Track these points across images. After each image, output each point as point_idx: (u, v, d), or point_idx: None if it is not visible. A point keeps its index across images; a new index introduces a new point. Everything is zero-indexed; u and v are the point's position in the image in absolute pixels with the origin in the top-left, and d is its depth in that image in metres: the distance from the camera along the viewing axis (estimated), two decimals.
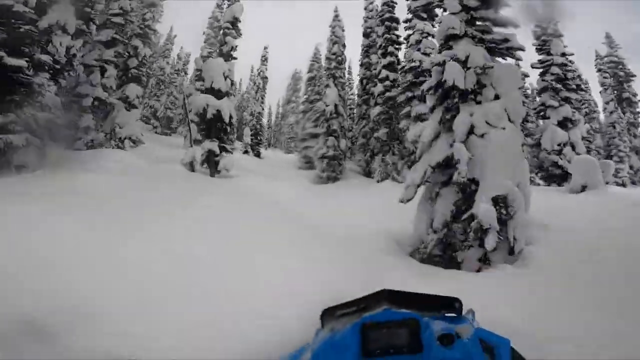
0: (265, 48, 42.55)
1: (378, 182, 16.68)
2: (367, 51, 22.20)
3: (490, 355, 0.66)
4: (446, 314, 0.76)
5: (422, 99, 14.81)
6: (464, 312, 0.78)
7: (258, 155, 38.31)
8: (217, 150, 13.26)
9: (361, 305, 0.78)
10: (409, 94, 16.43)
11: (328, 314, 0.82)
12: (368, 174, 20.10)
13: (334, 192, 14.57)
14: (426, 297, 0.78)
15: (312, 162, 22.89)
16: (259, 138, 39.57)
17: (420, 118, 14.92)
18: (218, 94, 13.24)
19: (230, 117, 13.72)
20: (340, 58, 20.60)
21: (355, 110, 27.35)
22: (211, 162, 13.26)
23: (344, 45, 21.28)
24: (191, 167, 12.58)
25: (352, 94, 37.23)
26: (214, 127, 13.48)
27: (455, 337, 0.65)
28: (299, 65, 77.16)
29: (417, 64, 16.25)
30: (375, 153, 18.64)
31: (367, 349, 0.66)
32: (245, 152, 33.74)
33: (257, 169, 20.25)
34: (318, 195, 13.00)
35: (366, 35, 22.39)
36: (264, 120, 69.50)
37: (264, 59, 42.53)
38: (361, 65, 22.50)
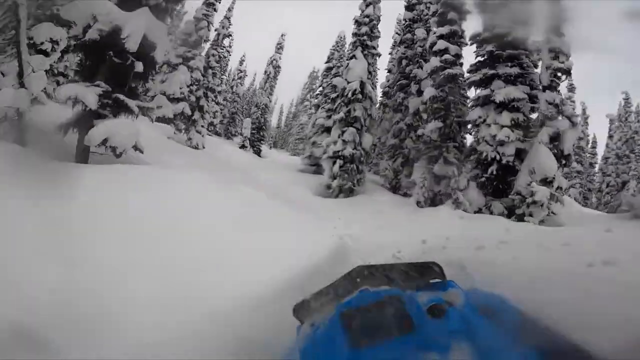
0: (282, 35, 37.19)
1: (420, 206, 10.43)
2: (409, 26, 16.44)
3: (491, 316, 0.56)
4: (430, 281, 0.71)
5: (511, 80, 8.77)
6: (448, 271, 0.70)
7: (258, 153, 32.55)
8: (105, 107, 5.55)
9: (337, 289, 0.67)
10: (487, 72, 10.30)
11: (302, 308, 0.68)
12: (395, 188, 14.07)
13: (350, 217, 8.46)
14: (405, 267, 0.75)
15: (319, 164, 17.09)
16: (261, 134, 33.82)
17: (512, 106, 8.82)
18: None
19: (145, 48, 5.73)
20: (373, 23, 14.68)
21: (379, 106, 21.13)
22: (82, 127, 5.66)
23: (379, 10, 15.37)
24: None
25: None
26: (102, 62, 5.76)
27: (446, 307, 0.59)
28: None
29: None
30: (413, 159, 12.48)
31: (354, 338, 0.62)
32: (243, 146, 27.93)
33: (240, 165, 14.30)
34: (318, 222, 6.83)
35: (410, 7, 16.65)
36: (273, 119, 63.99)
37: (279, 47, 37.05)
38: (400, 43, 16.70)
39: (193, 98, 18.40)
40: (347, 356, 0.59)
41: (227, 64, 35.71)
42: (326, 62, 30.09)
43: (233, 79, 40.94)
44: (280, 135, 62.57)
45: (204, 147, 17.78)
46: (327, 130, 16.17)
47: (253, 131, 33.05)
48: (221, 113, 37.38)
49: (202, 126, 18.56)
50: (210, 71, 22.19)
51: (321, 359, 0.63)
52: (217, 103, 29.20)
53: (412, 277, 0.73)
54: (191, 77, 18.20)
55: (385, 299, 0.63)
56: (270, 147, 48.66)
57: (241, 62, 40.64)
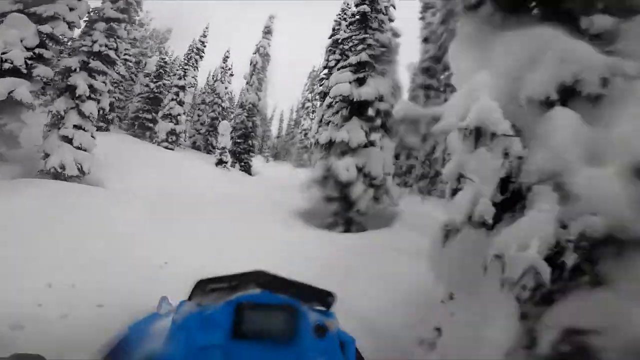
0: (271, 18, 29.01)
1: None
2: None
3: (342, 350, 0.66)
4: (318, 307, 0.75)
5: None
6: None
7: (247, 169, 23.96)
8: None
9: (234, 282, 0.72)
10: None
11: (199, 287, 0.74)
12: None
13: None
14: (305, 287, 0.75)
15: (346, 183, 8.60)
16: (250, 143, 25.30)
17: None
18: None
19: None
20: None
21: None
22: None
23: None
24: None
25: None
26: None
27: (326, 330, 0.65)
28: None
29: None
30: None
31: (240, 329, 0.63)
32: (220, 162, 19.31)
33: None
34: None
35: None
36: (273, 128, 55.75)
37: (267, 31, 28.72)
38: None
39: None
40: (224, 342, 0.59)
41: (196, 60, 27.61)
42: (330, 37, 21.26)
43: (216, 79, 32.45)
44: (282, 145, 54.29)
45: (85, 173, 9.05)
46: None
47: (238, 140, 24.60)
48: (196, 120, 29.29)
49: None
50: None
51: (194, 337, 0.60)
52: (179, 102, 20.96)
53: (306, 298, 0.70)
54: None
55: (284, 305, 0.64)
56: (268, 160, 40.26)
57: (225, 59, 32.24)
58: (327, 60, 19.37)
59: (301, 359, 0.62)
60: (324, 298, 0.77)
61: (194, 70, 28.67)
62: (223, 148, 19.29)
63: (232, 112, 30.92)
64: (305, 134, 37.57)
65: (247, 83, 27.13)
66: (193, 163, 15.61)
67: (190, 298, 0.75)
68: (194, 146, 28.02)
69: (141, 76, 24.69)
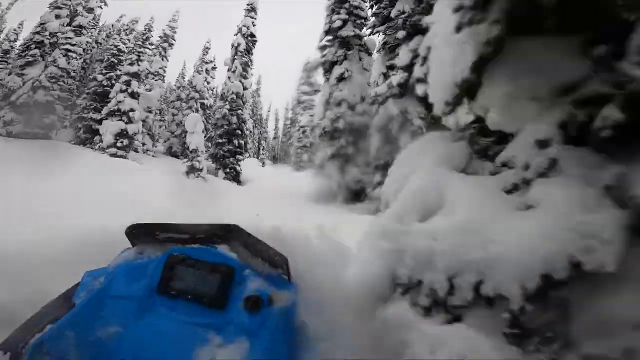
0: None
1: None
2: None
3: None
4: (275, 272, 0.63)
5: None
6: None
7: (235, 177, 18.81)
8: None
9: (181, 229, 0.63)
10: None
11: (142, 233, 0.65)
12: None
13: None
14: (265, 247, 0.65)
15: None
16: (236, 144, 20.13)
17: None
18: None
19: None
20: None
21: None
22: None
23: None
24: None
25: None
26: None
27: (264, 303, 0.55)
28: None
29: None
30: None
31: (165, 285, 0.55)
32: (192, 170, 13.99)
33: None
34: None
35: None
36: (269, 128, 50.53)
37: (251, 9, 23.50)
38: None
39: None
40: (145, 298, 0.54)
41: (164, 48, 22.45)
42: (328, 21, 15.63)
43: (196, 73, 27.17)
44: (280, 147, 49.20)
45: None
46: None
47: (221, 140, 19.46)
48: (171, 120, 24.08)
49: None
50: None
51: (119, 286, 0.56)
52: (132, 95, 15.69)
53: (261, 258, 0.60)
54: None
55: (221, 265, 0.54)
56: (264, 163, 35.10)
57: (206, 51, 26.97)
58: (330, 22, 14.15)
59: (220, 330, 0.51)
60: (274, 260, 0.63)
61: (163, 60, 23.53)
62: (194, 151, 14.03)
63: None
64: (304, 132, 32.15)
65: (229, 70, 21.85)
66: (143, 177, 10.37)
67: (133, 245, 0.67)
68: (171, 152, 22.93)
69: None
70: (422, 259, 1.22)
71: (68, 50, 16.77)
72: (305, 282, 0.69)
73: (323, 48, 14.08)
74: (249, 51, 22.51)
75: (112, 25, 25.61)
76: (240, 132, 20.29)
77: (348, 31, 13.50)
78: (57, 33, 14.91)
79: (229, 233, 0.66)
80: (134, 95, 14.69)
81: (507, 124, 1.47)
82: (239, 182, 18.63)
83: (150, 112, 19.02)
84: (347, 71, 12.70)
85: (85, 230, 1.94)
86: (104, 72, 16.93)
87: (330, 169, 11.73)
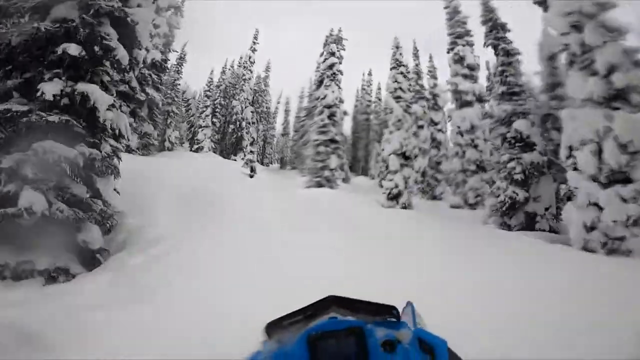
0: None
1: None
2: None
3: (430, 355, 0.69)
4: (386, 319, 0.78)
5: None
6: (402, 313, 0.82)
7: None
8: None
9: (308, 313, 0.78)
10: None
11: (274, 326, 0.79)
12: None
13: None
14: (367, 304, 0.79)
15: None
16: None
17: None
18: None
19: None
20: None
21: None
22: None
23: None
24: None
25: None
26: None
27: (396, 343, 0.68)
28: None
29: None
30: None
31: (317, 359, 0.66)
32: None
33: None
34: None
35: None
36: (277, 123, 41.94)
37: None
38: None
39: None
40: None
41: None
42: None
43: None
44: (287, 147, 40.18)
45: None
46: None
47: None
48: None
49: None
50: None
51: None
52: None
53: (374, 313, 0.77)
54: None
55: (350, 328, 0.68)
56: (252, 169, 25.87)
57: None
58: None
59: None
60: (389, 311, 0.79)
61: None
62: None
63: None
64: (331, 116, 22.74)
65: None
66: None
67: (270, 337, 0.77)
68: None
69: None
70: None
71: None
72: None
73: None
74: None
75: None
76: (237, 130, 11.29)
77: None
78: None
79: (331, 304, 0.77)
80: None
81: None
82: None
83: None
84: None
85: None
86: None
87: None
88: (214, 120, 30.84)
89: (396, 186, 12.07)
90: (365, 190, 19.43)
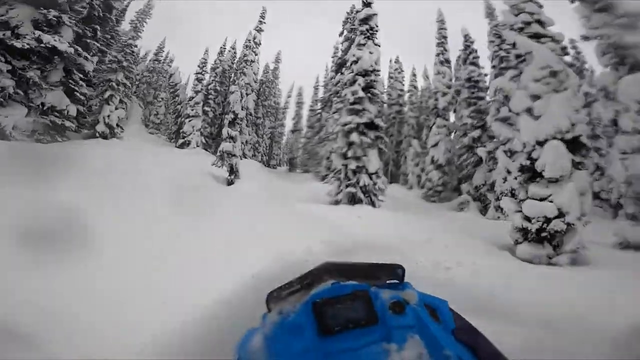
0: None
1: None
2: None
3: (434, 317, 0.69)
4: (389, 281, 0.77)
5: None
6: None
7: None
8: None
9: (305, 281, 0.76)
10: None
11: (273, 297, 0.77)
12: None
13: None
14: (370, 266, 0.79)
15: None
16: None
17: None
18: None
19: None
20: None
21: None
22: None
23: None
24: None
25: None
26: None
27: (404, 304, 0.67)
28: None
29: None
30: None
31: (326, 326, 0.65)
32: None
33: None
34: None
35: None
36: (287, 119, 35.68)
37: None
38: None
39: None
40: (315, 343, 0.64)
41: None
42: None
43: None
44: (299, 146, 33.33)
45: None
46: None
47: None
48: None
49: None
50: None
51: (288, 345, 0.66)
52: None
53: (376, 276, 0.76)
54: None
55: (355, 292, 0.68)
56: (231, 170, 19.10)
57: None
58: None
59: (387, 337, 0.63)
60: (394, 271, 0.77)
61: None
62: None
63: None
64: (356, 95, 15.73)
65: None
66: None
67: (269, 310, 0.76)
68: None
69: None
70: None
71: None
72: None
73: None
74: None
75: None
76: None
77: None
78: None
79: (327, 270, 0.75)
80: None
81: None
82: None
83: None
84: None
85: None
86: None
87: None
88: (206, 109, 24.30)
89: (559, 214, 5.01)
90: (424, 209, 12.43)
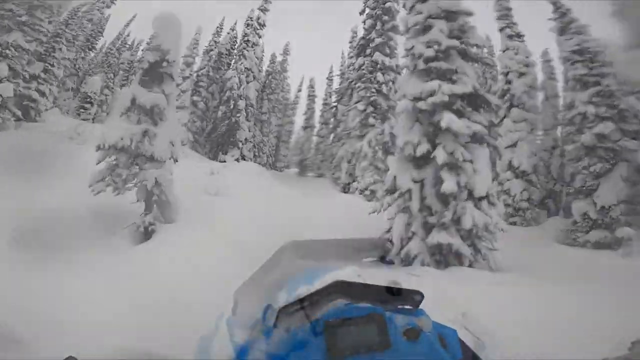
0: None
1: None
2: None
3: (443, 345, 0.67)
4: (404, 306, 0.74)
5: None
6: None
7: None
8: None
9: (316, 298, 0.71)
10: None
11: (281, 313, 0.72)
12: None
13: None
14: (387, 290, 0.74)
15: None
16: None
17: None
18: None
19: None
20: None
21: None
22: None
23: None
24: None
25: None
26: None
27: (419, 331, 0.66)
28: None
29: None
30: None
31: (336, 348, 0.64)
32: None
33: None
34: None
35: None
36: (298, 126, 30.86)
37: None
38: None
39: None
40: None
41: None
42: None
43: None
44: (311, 145, 28.19)
45: None
46: None
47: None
48: None
49: None
50: None
51: None
52: None
53: (390, 300, 0.73)
54: None
55: (371, 315, 0.67)
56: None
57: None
58: None
59: None
60: (411, 297, 0.73)
61: None
62: None
63: None
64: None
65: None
66: None
67: (276, 325, 0.72)
68: None
69: None
70: None
71: None
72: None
73: None
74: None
75: None
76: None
77: None
78: None
79: (339, 290, 0.70)
80: None
81: None
82: None
83: None
84: None
85: None
86: None
87: None
88: (196, 99, 19.33)
89: None
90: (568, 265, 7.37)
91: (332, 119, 26.01)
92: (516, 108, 12.65)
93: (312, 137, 28.06)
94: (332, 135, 23.77)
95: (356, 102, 17.23)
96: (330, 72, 30.53)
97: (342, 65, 28.24)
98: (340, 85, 25.99)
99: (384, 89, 16.81)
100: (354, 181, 15.75)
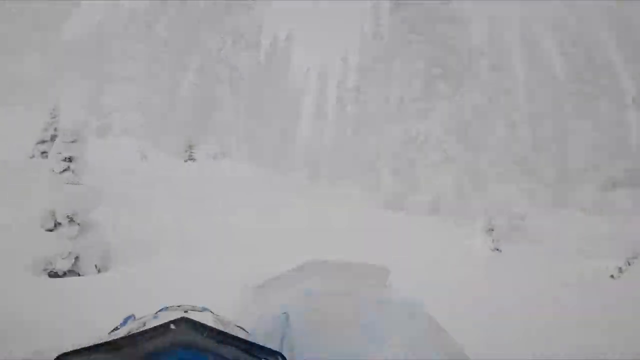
0: None
1: None
2: None
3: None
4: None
5: None
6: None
7: None
8: None
9: (150, 339, 0.58)
10: None
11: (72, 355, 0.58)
12: None
13: None
14: (242, 341, 0.62)
15: None
16: None
17: None
18: None
19: None
20: None
21: None
22: None
23: None
24: None
25: None
26: None
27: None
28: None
29: None
30: None
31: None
32: None
33: None
34: None
35: None
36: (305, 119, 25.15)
37: None
38: None
39: None
40: None
41: None
42: None
43: None
44: (324, 140, 21.90)
45: None
46: None
47: None
48: None
49: None
50: None
51: None
52: None
53: (248, 353, 0.65)
54: None
55: None
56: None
57: None
58: None
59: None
60: (267, 356, 0.63)
61: None
62: None
63: None
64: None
65: None
66: None
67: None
68: None
69: None
70: None
71: None
72: None
73: None
74: None
75: None
76: None
77: None
78: None
79: (188, 334, 0.57)
80: None
81: None
82: None
83: None
84: None
85: None
86: None
87: None
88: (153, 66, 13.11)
89: None
90: None
91: (349, 107, 20.22)
92: None
93: (325, 129, 21.80)
94: (348, 129, 18.27)
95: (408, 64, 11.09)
96: (344, 53, 24.21)
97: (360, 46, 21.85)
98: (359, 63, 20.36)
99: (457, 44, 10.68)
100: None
